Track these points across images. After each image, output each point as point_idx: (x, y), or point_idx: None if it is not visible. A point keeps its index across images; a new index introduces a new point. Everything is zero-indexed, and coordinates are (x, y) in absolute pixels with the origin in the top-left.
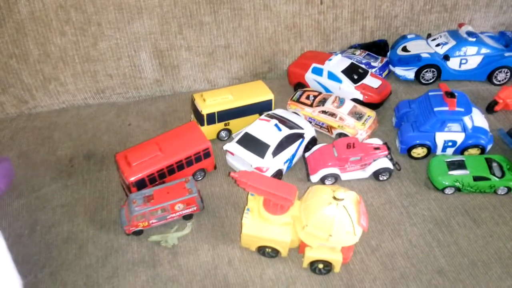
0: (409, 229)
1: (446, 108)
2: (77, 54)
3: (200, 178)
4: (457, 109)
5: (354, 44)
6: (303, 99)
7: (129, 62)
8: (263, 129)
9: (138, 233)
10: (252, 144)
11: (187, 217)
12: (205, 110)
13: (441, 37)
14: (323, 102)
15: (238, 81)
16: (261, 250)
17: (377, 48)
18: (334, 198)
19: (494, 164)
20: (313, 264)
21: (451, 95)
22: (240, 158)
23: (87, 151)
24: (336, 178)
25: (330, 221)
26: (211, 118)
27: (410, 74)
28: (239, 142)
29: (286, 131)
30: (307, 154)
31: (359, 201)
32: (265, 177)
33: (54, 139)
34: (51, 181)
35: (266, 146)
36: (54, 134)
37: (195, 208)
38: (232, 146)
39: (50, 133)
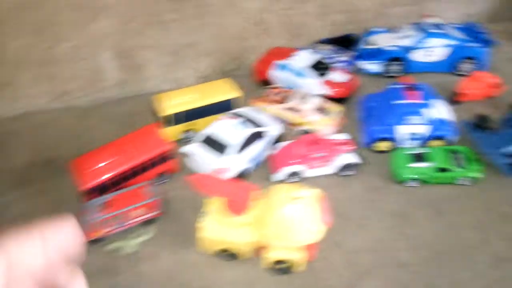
0: (373, 224)
1: (407, 101)
2: (34, 57)
3: (163, 182)
4: (418, 101)
5: (323, 38)
6: (268, 96)
7: (90, 64)
8: (227, 128)
9: (97, 241)
10: (214, 144)
11: (149, 222)
12: (168, 111)
13: (406, 29)
14: (288, 98)
15: (206, 80)
16: (222, 253)
17: (347, 42)
18: (294, 196)
19: (457, 155)
20: (275, 264)
21: (412, 87)
22: (202, 159)
23: (45, 158)
24: (300, 175)
25: (290, 220)
26: (175, 119)
27: (376, 67)
28: (201, 142)
29: (249, 130)
30: (272, 152)
31: (321, 198)
32: (222, 179)
33: (10, 147)
34: (7, 190)
35: (228, 146)
36: (10, 142)
37: (156, 213)
38: (193, 147)
39: (6, 140)
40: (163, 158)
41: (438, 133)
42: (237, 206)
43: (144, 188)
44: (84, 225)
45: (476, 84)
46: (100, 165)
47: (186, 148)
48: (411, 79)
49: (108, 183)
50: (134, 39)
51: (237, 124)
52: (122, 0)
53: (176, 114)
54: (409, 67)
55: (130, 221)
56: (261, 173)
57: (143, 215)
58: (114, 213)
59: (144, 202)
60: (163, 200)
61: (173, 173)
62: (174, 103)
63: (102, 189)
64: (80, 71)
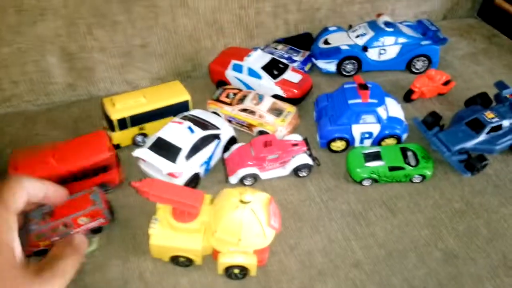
0: (327, 225)
1: (360, 100)
2: None
3: (107, 190)
4: (370, 100)
5: (279, 38)
6: (222, 97)
7: (36, 67)
8: (176, 132)
9: (41, 253)
10: (163, 148)
11: (96, 231)
12: (114, 115)
13: (360, 28)
14: (242, 100)
15: (160, 81)
16: (174, 259)
17: (302, 41)
18: (241, 201)
19: (409, 153)
20: (228, 270)
21: (364, 87)
22: (152, 165)
23: None
24: (255, 177)
25: (238, 225)
26: (123, 123)
27: (331, 66)
28: (150, 147)
29: (200, 133)
30: (225, 155)
31: (269, 202)
32: (170, 185)
33: None
34: None
35: (178, 150)
36: None
37: (102, 221)
38: (142, 152)
39: None
40: (105, 167)
41: (390, 131)
42: (187, 212)
43: (88, 195)
44: (24, 237)
45: (428, 81)
46: (36, 161)
47: (135, 153)
48: (361, 79)
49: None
50: (81, 40)
51: (187, 127)
52: (68, 1)
53: (125, 119)
54: (364, 66)
55: (75, 230)
56: (214, 176)
57: (88, 223)
58: (57, 222)
59: (87, 210)
60: (110, 207)
61: (116, 184)
62: (122, 106)
63: None
64: (27, 75)
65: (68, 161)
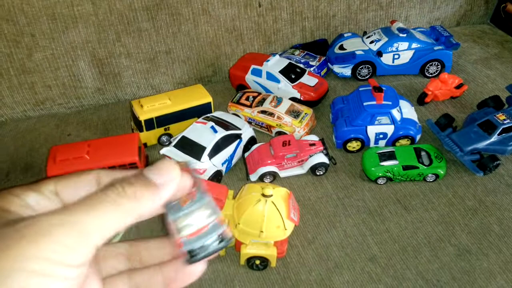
0: (344, 220)
1: (375, 102)
2: (12, 66)
3: None
4: (384, 102)
5: (296, 44)
6: (243, 100)
7: (68, 72)
8: (200, 132)
9: None
10: (188, 147)
11: None
12: (142, 116)
13: (374, 34)
14: (261, 102)
15: (183, 86)
16: None
17: (318, 47)
18: (263, 195)
19: (423, 153)
20: (249, 261)
21: (378, 89)
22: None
23: (24, 164)
24: (274, 175)
25: (260, 217)
26: (150, 124)
27: (347, 71)
28: (176, 146)
29: (222, 133)
30: (246, 154)
31: (289, 197)
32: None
33: None
34: None
35: (202, 148)
36: None
37: None
38: (169, 151)
39: None
40: (128, 169)
41: (404, 132)
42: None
43: None
44: None
45: (441, 85)
46: (69, 157)
47: (163, 151)
48: (376, 82)
49: None
50: (110, 47)
51: (210, 127)
52: (99, 9)
53: (152, 119)
54: (378, 71)
55: None
56: (235, 175)
57: None
58: None
59: None
60: None
61: None
62: (149, 108)
63: None
64: (59, 79)
65: (99, 158)
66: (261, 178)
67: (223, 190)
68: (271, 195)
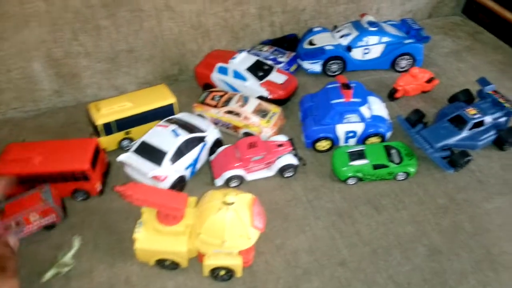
0: (313, 224)
1: (343, 100)
2: None
3: (81, 199)
4: (353, 100)
5: (265, 40)
6: (208, 100)
7: (22, 74)
8: (161, 135)
9: None
10: (148, 152)
11: (49, 228)
12: (99, 120)
13: (344, 28)
14: (228, 102)
15: (148, 86)
16: (160, 263)
17: (288, 43)
18: (224, 202)
19: (393, 151)
20: (214, 272)
21: (347, 86)
22: (138, 168)
23: None
24: (241, 179)
25: (222, 226)
26: (108, 128)
27: (316, 67)
28: (135, 151)
29: (184, 136)
30: (211, 157)
31: (253, 203)
32: (153, 188)
33: None
34: None
35: (163, 153)
36: None
37: (55, 218)
38: (127, 157)
39: None
40: (78, 177)
41: (374, 130)
42: (171, 215)
43: (38, 194)
44: None
45: (412, 79)
46: (21, 158)
47: (120, 158)
48: (344, 79)
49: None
50: (67, 46)
51: (172, 130)
52: (53, 7)
53: (110, 123)
54: (348, 66)
55: (27, 227)
56: (201, 179)
57: (40, 220)
58: (7, 220)
59: (39, 208)
60: (63, 205)
61: (94, 195)
62: (107, 111)
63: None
64: (12, 82)
65: (49, 162)
66: (227, 182)
67: (182, 199)
68: (233, 203)
